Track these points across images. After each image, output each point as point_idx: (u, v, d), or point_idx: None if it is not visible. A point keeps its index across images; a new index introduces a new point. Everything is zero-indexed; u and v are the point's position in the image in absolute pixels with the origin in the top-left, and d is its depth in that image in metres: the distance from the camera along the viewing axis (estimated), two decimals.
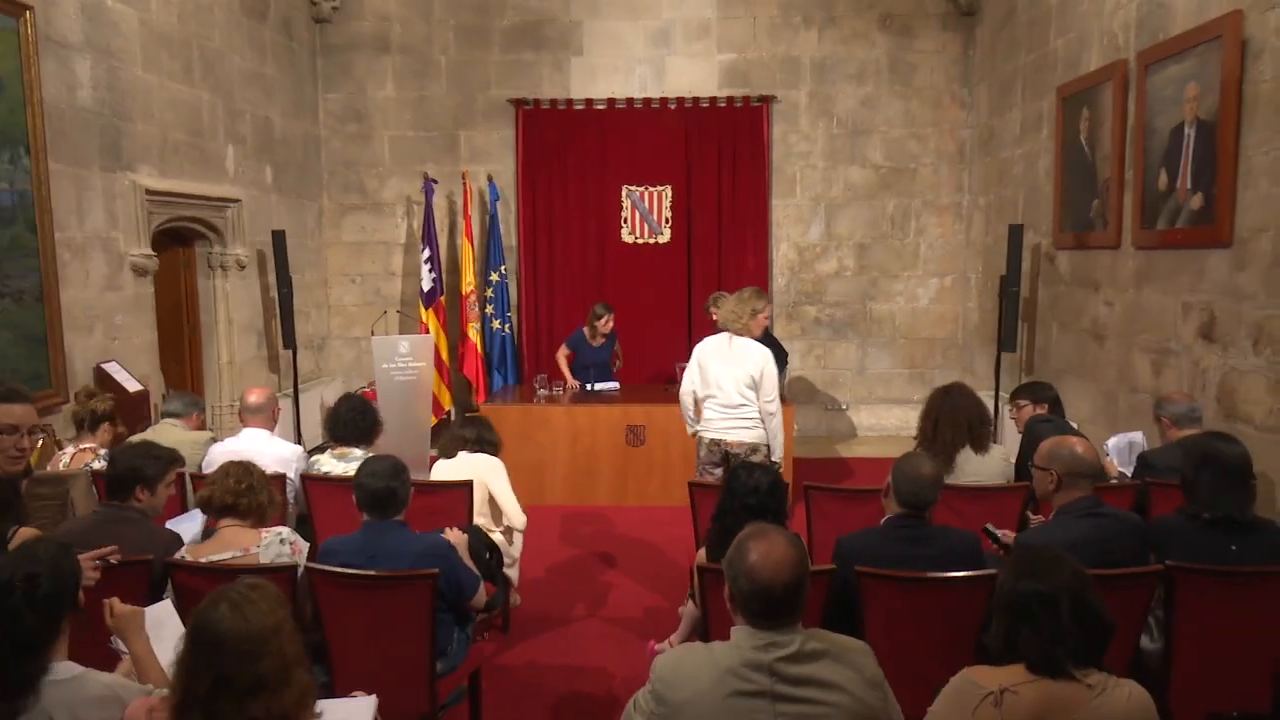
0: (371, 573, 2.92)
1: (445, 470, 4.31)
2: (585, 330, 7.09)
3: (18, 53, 4.52)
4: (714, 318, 6.95)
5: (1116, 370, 5.51)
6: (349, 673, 2.98)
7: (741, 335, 4.55)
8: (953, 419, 3.96)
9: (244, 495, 3.01)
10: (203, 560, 2.90)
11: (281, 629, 1.89)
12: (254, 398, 4.39)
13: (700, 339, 4.82)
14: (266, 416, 4.38)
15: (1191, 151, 4.61)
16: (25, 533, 3.09)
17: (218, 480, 3.05)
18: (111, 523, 3.10)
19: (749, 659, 1.89)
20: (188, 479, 4.12)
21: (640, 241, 8.44)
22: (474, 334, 8.07)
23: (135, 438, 4.18)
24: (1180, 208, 4.73)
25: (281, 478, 4.08)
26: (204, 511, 3.09)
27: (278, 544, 3.01)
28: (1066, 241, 6.18)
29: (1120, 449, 4.42)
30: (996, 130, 7.64)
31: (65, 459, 4.08)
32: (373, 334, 7.90)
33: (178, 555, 2.97)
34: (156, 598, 2.97)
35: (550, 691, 3.83)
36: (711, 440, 4.53)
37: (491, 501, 4.27)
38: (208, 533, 3.20)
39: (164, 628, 2.68)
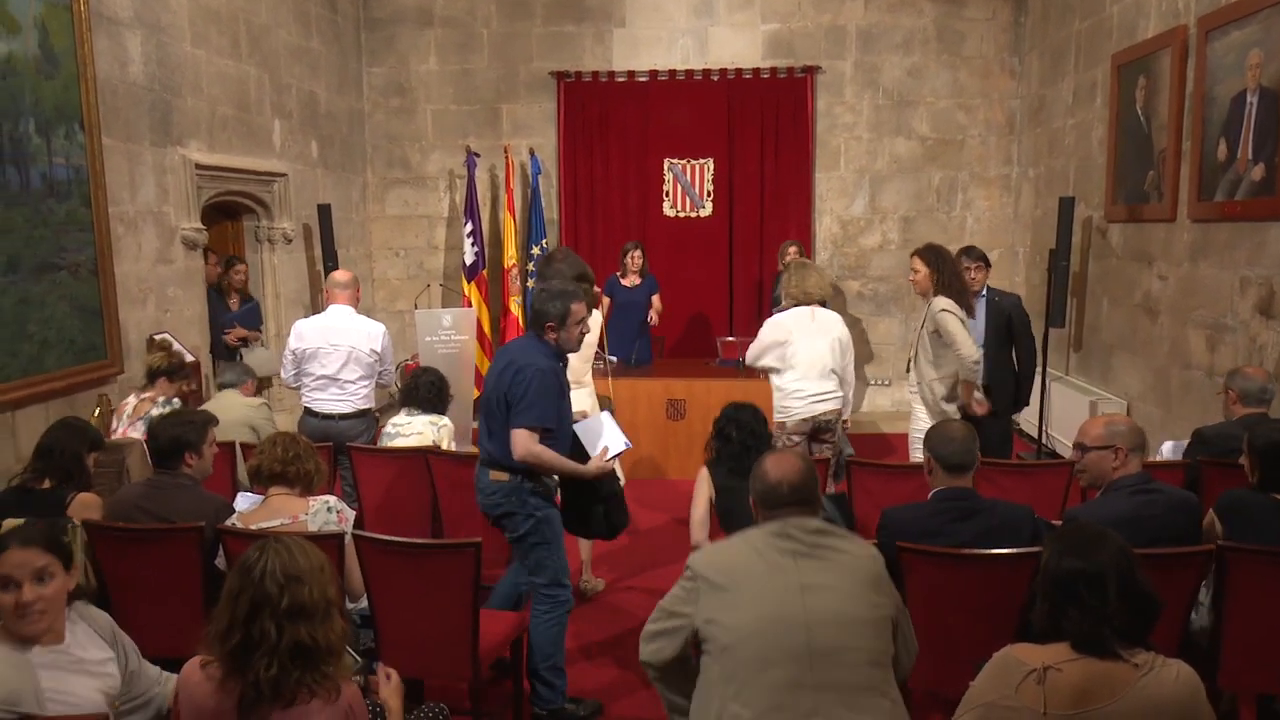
0: (416, 540, 2.98)
1: None
2: (618, 273, 7.08)
3: (71, 30, 4.60)
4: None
5: (1169, 346, 5.38)
6: (393, 638, 3.04)
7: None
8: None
9: (291, 464, 3.08)
10: (252, 527, 2.97)
11: (324, 570, 1.99)
12: (340, 275, 4.94)
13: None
14: (351, 294, 4.86)
15: (1253, 120, 4.46)
16: (84, 498, 3.21)
17: (265, 449, 3.12)
18: (164, 489, 3.19)
19: (775, 531, 2.19)
20: (238, 448, 4.23)
21: (682, 215, 8.40)
22: (516, 308, 8.11)
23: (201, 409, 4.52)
24: (1240, 179, 4.58)
25: (328, 449, 4.19)
26: (252, 480, 3.16)
27: (325, 512, 3.07)
28: (1119, 214, 6.03)
29: (1177, 452, 4.29)
30: (1048, 100, 7.45)
31: (129, 407, 4.42)
32: (416, 307, 7.98)
33: (228, 522, 3.05)
34: (208, 562, 3.07)
35: (591, 662, 3.87)
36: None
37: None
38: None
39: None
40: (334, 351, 4.71)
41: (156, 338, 5.30)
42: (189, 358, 5.36)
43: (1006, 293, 5.23)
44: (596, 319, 4.48)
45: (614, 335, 6.97)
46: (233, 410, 4.58)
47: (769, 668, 2.04)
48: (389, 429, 4.54)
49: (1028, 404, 5.15)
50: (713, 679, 2.10)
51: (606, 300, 7.11)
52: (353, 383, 4.75)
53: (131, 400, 4.48)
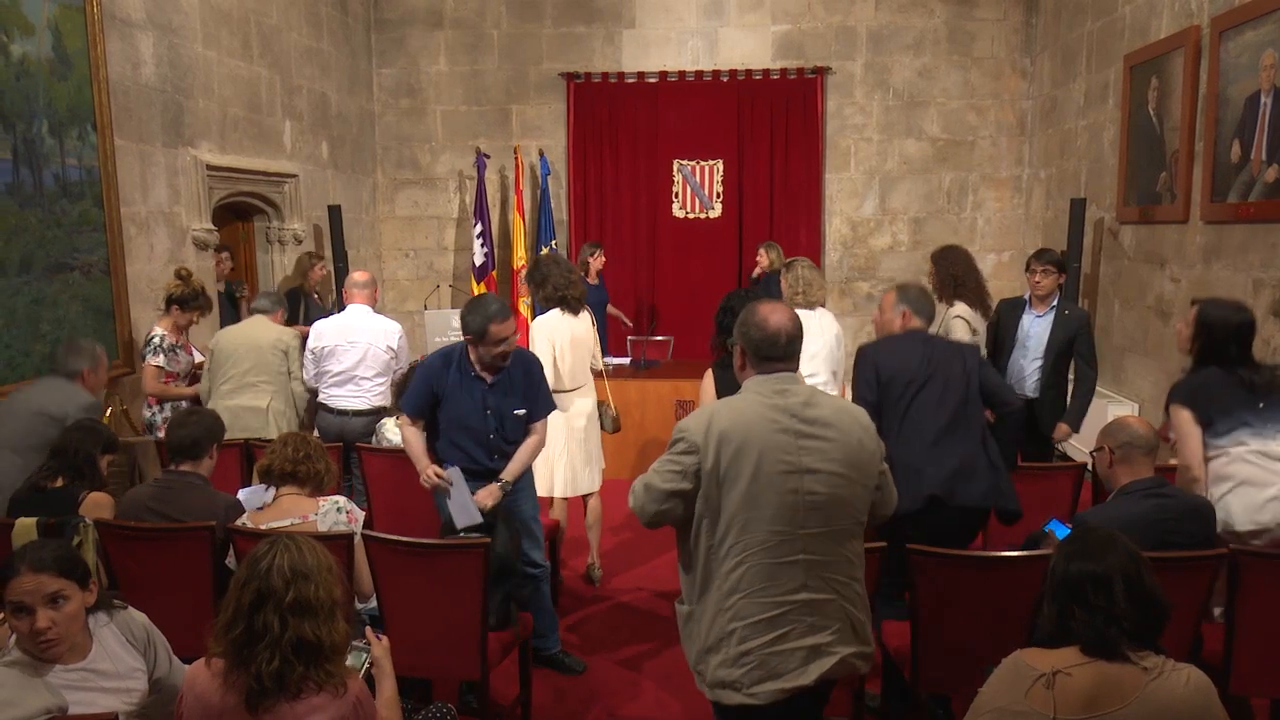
0: (425, 540, 2.99)
1: (563, 331, 4.32)
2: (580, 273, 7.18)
3: (84, 31, 4.63)
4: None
5: None
6: (402, 638, 3.04)
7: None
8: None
9: (302, 463, 3.09)
10: (262, 527, 2.98)
11: (332, 570, 2.00)
12: (359, 276, 5.03)
13: None
14: (369, 294, 4.96)
15: (1267, 122, 4.43)
16: (96, 498, 3.23)
17: (276, 449, 3.13)
18: (174, 489, 3.21)
19: (775, 403, 2.22)
20: (248, 447, 4.25)
21: (691, 216, 8.39)
22: (525, 308, 8.10)
23: (236, 325, 4.92)
24: (1254, 180, 4.55)
25: (338, 448, 4.20)
26: (263, 480, 3.17)
27: (335, 512, 3.08)
28: (1131, 216, 6.00)
29: None
30: (1059, 101, 7.42)
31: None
32: (426, 308, 8.00)
33: (239, 522, 3.07)
34: (219, 562, 3.08)
35: (596, 661, 3.88)
36: None
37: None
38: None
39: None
40: (351, 349, 4.78)
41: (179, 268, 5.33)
42: (199, 359, 5.40)
43: (1078, 307, 4.87)
44: (588, 323, 4.49)
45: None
46: (266, 333, 4.76)
47: (765, 545, 2.16)
48: (379, 438, 4.50)
49: (1077, 431, 4.63)
50: (707, 545, 2.21)
51: None
52: (368, 379, 4.81)
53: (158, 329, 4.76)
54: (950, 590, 2.77)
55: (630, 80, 8.29)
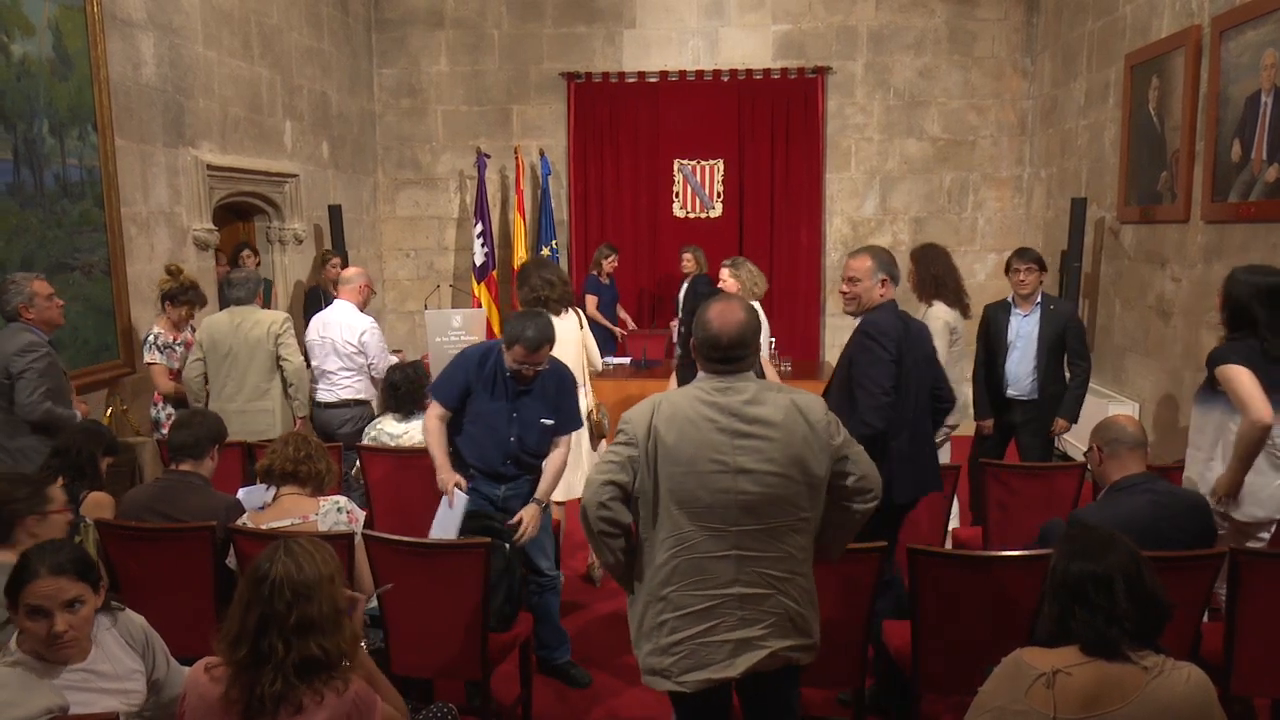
0: (426, 540, 2.99)
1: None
2: (594, 272, 7.44)
3: (85, 31, 4.63)
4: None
5: (1183, 348, 5.35)
6: (403, 638, 3.05)
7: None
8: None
9: (303, 463, 3.09)
10: (263, 527, 2.99)
11: (334, 579, 1.99)
12: (347, 272, 5.24)
13: None
14: (354, 289, 5.06)
15: (1268, 121, 4.43)
16: (96, 497, 3.23)
17: (277, 449, 3.13)
18: (174, 489, 3.21)
19: (716, 401, 2.23)
20: (249, 447, 4.25)
21: (692, 216, 8.39)
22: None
23: (221, 316, 4.71)
24: (1254, 180, 4.55)
25: (338, 448, 4.21)
26: (264, 480, 3.17)
27: (335, 512, 3.08)
28: (1132, 215, 6.00)
29: None
30: (1060, 101, 7.41)
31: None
32: (426, 308, 8.00)
33: (239, 522, 3.07)
34: (219, 562, 3.08)
35: (597, 661, 3.88)
36: None
37: None
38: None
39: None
40: (323, 343, 4.98)
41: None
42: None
43: (1063, 301, 4.84)
44: (573, 325, 4.46)
45: (600, 333, 7.04)
46: (256, 327, 4.62)
47: (695, 541, 2.21)
48: (377, 435, 4.43)
49: (1075, 422, 4.68)
50: (643, 537, 2.27)
51: (593, 299, 7.18)
52: (334, 373, 4.98)
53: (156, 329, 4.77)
54: (950, 590, 2.77)
55: (631, 80, 8.29)
